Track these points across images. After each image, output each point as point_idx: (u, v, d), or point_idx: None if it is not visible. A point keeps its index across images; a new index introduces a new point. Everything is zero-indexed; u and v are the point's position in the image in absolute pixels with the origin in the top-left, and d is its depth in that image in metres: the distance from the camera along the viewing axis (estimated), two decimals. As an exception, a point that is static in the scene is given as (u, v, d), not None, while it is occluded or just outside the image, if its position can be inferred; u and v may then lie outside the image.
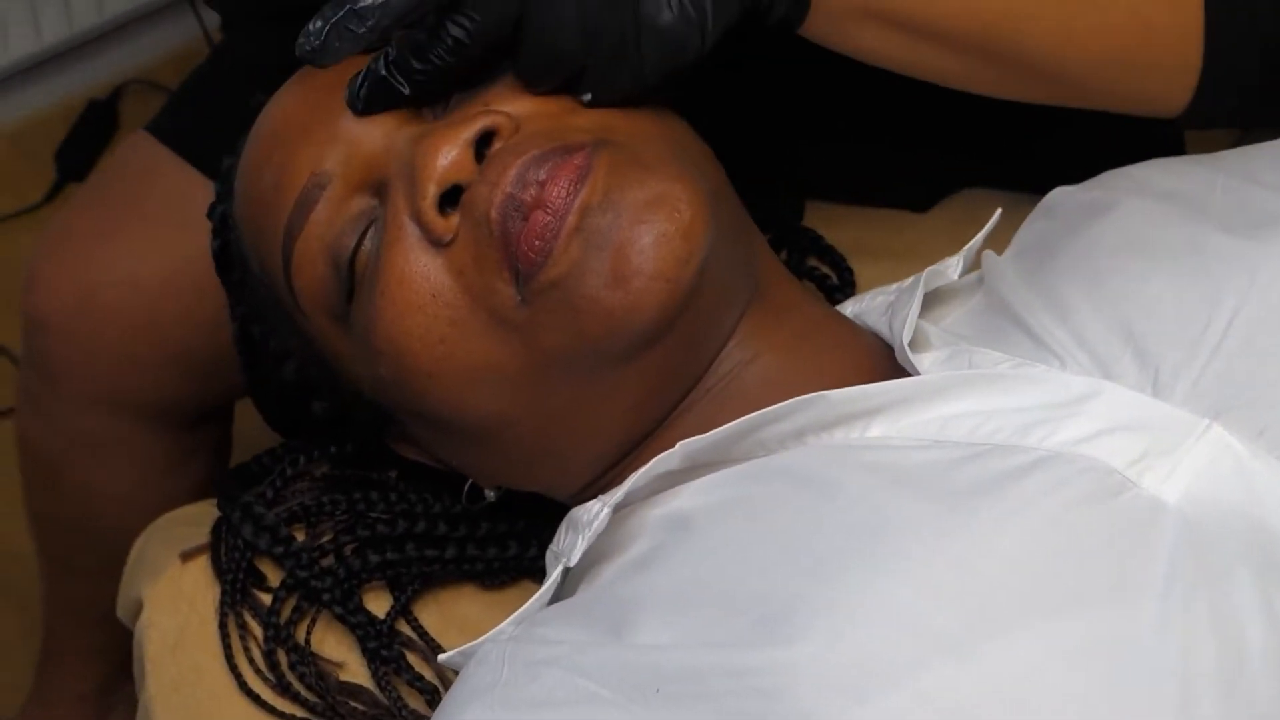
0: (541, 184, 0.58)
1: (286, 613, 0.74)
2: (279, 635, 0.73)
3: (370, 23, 0.57)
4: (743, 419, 0.59)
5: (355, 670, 0.74)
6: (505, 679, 0.56)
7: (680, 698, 0.51)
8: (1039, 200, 0.74)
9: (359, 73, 0.62)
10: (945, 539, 0.51)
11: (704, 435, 0.59)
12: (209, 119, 0.97)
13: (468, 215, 0.60)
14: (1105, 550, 0.51)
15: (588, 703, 0.53)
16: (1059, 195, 0.72)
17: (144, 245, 0.97)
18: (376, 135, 0.62)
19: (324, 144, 0.63)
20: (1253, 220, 0.60)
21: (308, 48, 0.58)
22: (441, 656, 0.67)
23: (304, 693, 0.72)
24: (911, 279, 0.70)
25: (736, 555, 0.55)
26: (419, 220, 0.60)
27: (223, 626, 0.74)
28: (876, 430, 0.59)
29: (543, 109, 0.62)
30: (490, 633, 0.63)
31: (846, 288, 0.87)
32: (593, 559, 0.64)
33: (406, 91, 0.61)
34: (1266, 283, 0.57)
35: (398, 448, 0.73)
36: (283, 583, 0.74)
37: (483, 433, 0.64)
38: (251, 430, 0.83)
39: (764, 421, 0.59)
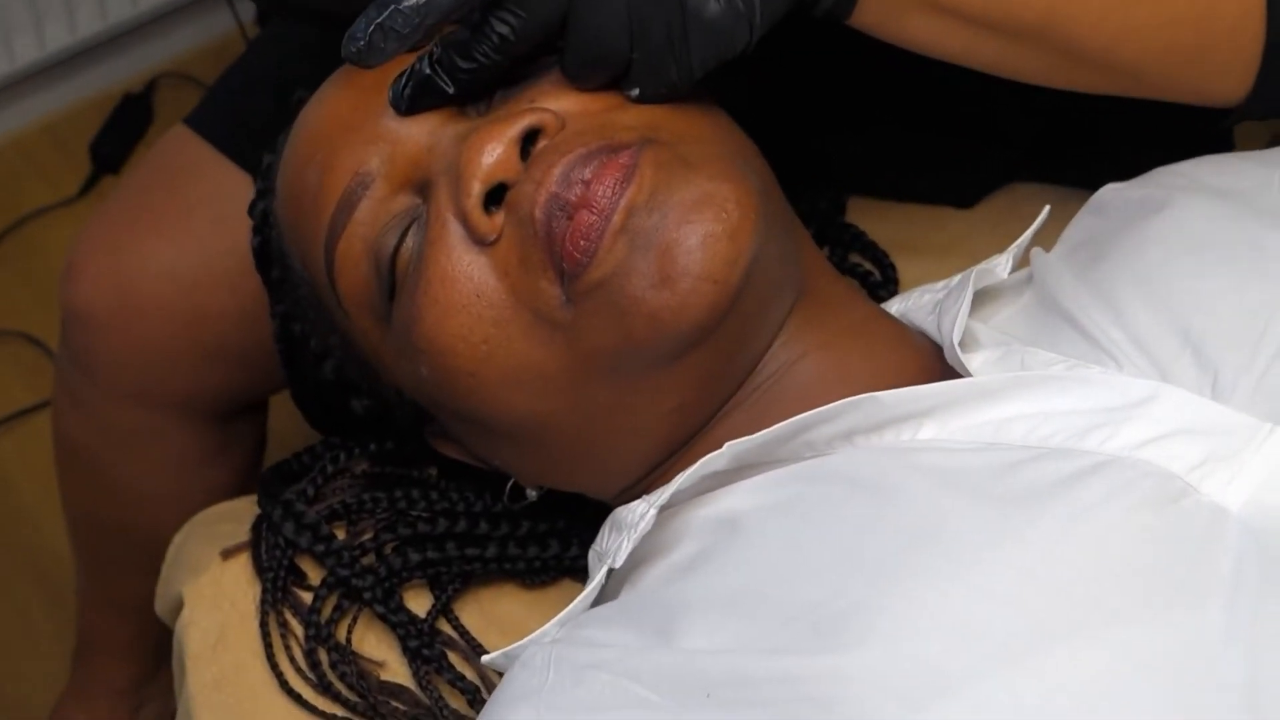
0: (587, 183, 0.57)
1: (327, 611, 0.74)
2: (320, 634, 0.73)
3: (416, 21, 0.57)
4: (792, 420, 0.58)
5: (396, 670, 0.73)
6: (551, 683, 0.56)
7: (732, 704, 0.50)
8: (1083, 195, 0.73)
9: (403, 72, 0.61)
10: (1005, 545, 0.50)
11: (752, 436, 0.59)
12: (248, 113, 0.96)
13: (512, 214, 0.59)
14: (1168, 557, 0.50)
15: (637, 707, 0.52)
16: (1109, 192, 0.70)
17: (183, 239, 0.97)
18: (420, 134, 0.62)
19: (367, 143, 0.62)
20: (1312, 219, 0.59)
21: (353, 49, 0.58)
22: (485, 658, 0.67)
23: (345, 692, 0.72)
24: (960, 277, 0.69)
25: (789, 558, 0.54)
26: (464, 219, 0.59)
27: (264, 625, 0.73)
28: (928, 432, 0.58)
29: (589, 105, 0.61)
30: (534, 634, 0.63)
31: (889, 284, 0.86)
32: (637, 560, 0.63)
33: (451, 91, 0.60)
34: None
35: (438, 445, 0.73)
36: (323, 581, 0.74)
37: (524, 433, 0.63)
38: (287, 425, 0.83)
39: (813, 422, 0.59)
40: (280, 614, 0.74)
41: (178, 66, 1.82)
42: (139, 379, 1.00)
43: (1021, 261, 0.71)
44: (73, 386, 1.05)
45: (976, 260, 0.71)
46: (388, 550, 0.75)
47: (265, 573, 0.74)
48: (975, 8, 0.63)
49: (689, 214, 0.57)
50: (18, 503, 1.50)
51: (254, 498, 0.80)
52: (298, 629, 0.74)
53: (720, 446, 0.59)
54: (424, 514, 0.75)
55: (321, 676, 0.72)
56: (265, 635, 0.73)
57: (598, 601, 0.64)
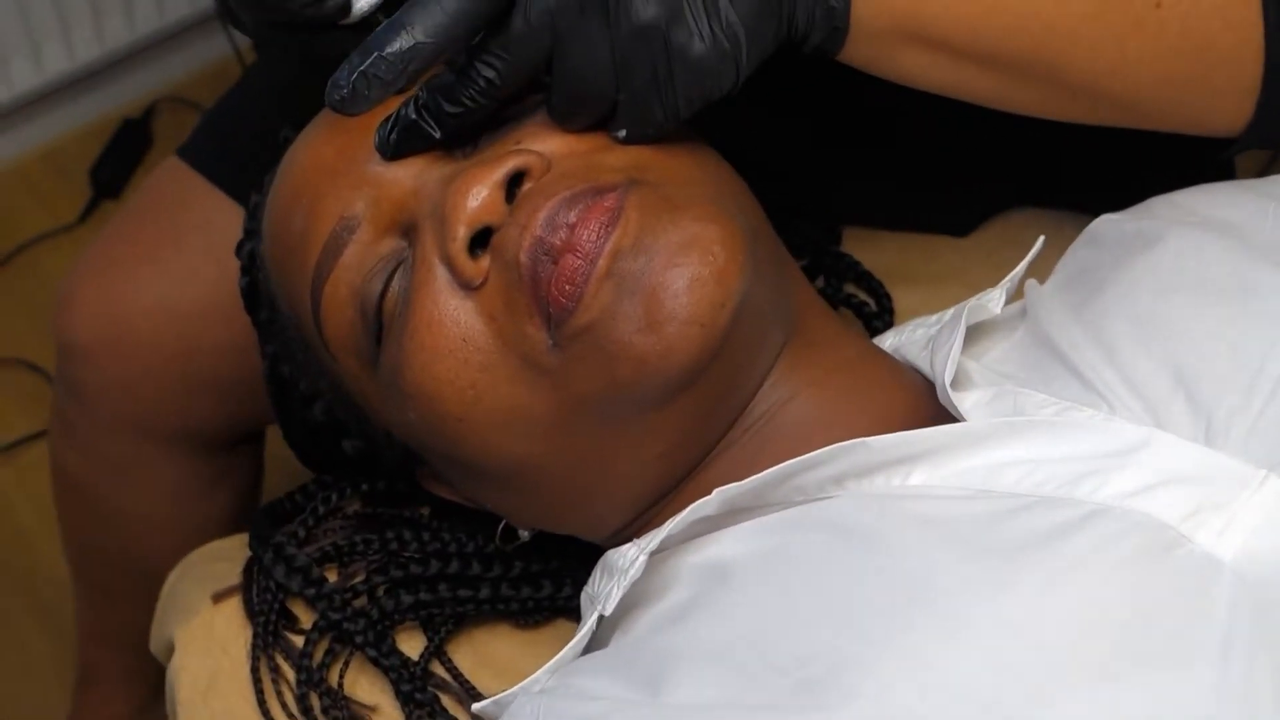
0: (571, 227, 0.57)
1: (319, 655, 0.73)
2: (311, 679, 0.72)
3: (400, 68, 0.56)
4: (781, 465, 0.58)
5: (389, 713, 0.73)
6: (539, 735, 0.55)
7: (718, 761, 0.49)
8: (1080, 221, 0.72)
9: (388, 117, 0.61)
10: (993, 600, 0.50)
11: (741, 482, 0.58)
12: (240, 144, 0.96)
13: (498, 258, 0.58)
14: (1159, 611, 0.49)
15: (623, 763, 0.51)
16: (1104, 224, 0.70)
17: (176, 271, 0.96)
18: (405, 177, 0.61)
19: (352, 188, 0.62)
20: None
21: (336, 97, 0.57)
22: (475, 706, 0.66)
23: (337, 737, 0.72)
24: (953, 311, 0.68)
25: (777, 610, 0.54)
26: (449, 263, 0.59)
27: (255, 670, 0.73)
28: (918, 478, 0.57)
29: (575, 147, 0.61)
30: (524, 683, 0.62)
31: (885, 314, 0.86)
32: (628, 605, 0.63)
33: (437, 135, 0.60)
34: None
35: (429, 486, 0.72)
36: (315, 625, 0.73)
37: (513, 477, 0.63)
38: (287, 451, 0.83)
39: (803, 467, 0.58)
40: (271, 658, 0.73)
41: (176, 91, 1.82)
42: (132, 409, 1.00)
43: (1016, 293, 0.71)
44: (68, 416, 1.05)
45: (973, 289, 0.70)
46: (380, 592, 0.74)
47: (256, 617, 0.74)
48: (964, 42, 0.62)
49: (675, 257, 0.56)
50: (17, 530, 1.50)
51: (247, 536, 0.79)
52: (289, 673, 0.73)
53: (710, 490, 0.59)
54: (416, 555, 0.75)
55: (313, 722, 0.72)
56: (256, 680, 0.73)
57: (591, 643, 0.64)
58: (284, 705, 0.72)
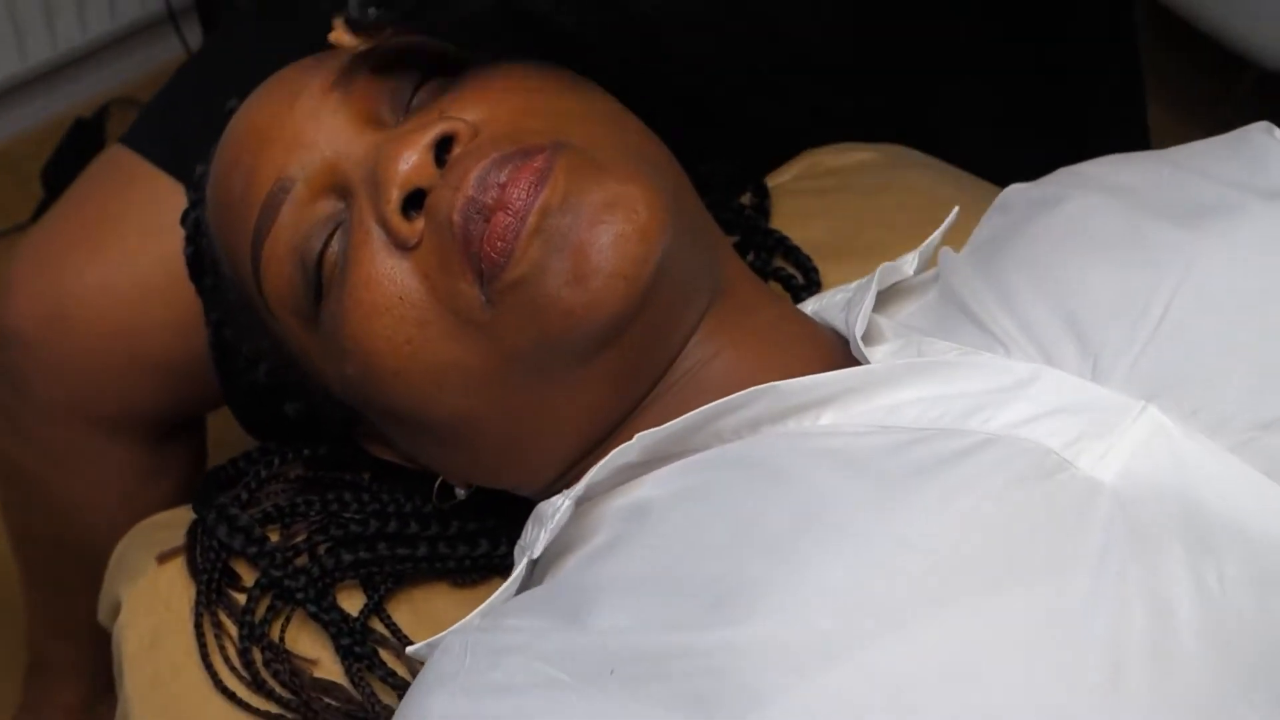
0: (502, 186, 0.59)
1: (261, 612, 0.75)
2: (253, 634, 0.74)
3: None
4: (698, 410, 0.61)
5: (329, 667, 0.75)
6: (468, 666, 0.57)
7: (635, 679, 0.52)
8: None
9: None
10: (885, 517, 0.53)
11: (661, 427, 0.61)
12: (182, 126, 0.96)
13: (431, 219, 0.61)
14: (1041, 528, 0.52)
15: (546, 687, 0.54)
16: (1013, 193, 0.73)
17: (117, 253, 0.96)
18: (338, 141, 0.64)
19: (288, 150, 0.65)
20: (1192, 210, 0.62)
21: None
22: (409, 649, 0.68)
23: (279, 690, 0.73)
24: (869, 276, 0.71)
25: (691, 540, 0.56)
26: (384, 225, 0.62)
27: (198, 626, 0.75)
28: (828, 419, 0.60)
29: (499, 114, 0.63)
30: (456, 625, 0.65)
31: (812, 287, 0.89)
32: (557, 551, 0.65)
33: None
34: (1201, 269, 0.58)
35: (369, 447, 0.75)
36: (257, 582, 0.75)
37: (449, 431, 0.65)
38: (227, 439, 0.84)
39: (719, 413, 0.61)
40: (215, 615, 0.75)
41: (129, 92, 1.83)
42: (71, 394, 0.99)
43: (931, 261, 0.74)
44: (7, 406, 1.04)
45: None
46: (320, 551, 0.76)
47: (200, 575, 0.76)
48: None
49: (600, 215, 0.59)
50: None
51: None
52: (232, 629, 0.75)
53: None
54: (356, 515, 0.77)
55: (255, 675, 0.73)
56: (200, 636, 0.75)
57: (522, 591, 0.66)
58: (226, 659, 0.74)
